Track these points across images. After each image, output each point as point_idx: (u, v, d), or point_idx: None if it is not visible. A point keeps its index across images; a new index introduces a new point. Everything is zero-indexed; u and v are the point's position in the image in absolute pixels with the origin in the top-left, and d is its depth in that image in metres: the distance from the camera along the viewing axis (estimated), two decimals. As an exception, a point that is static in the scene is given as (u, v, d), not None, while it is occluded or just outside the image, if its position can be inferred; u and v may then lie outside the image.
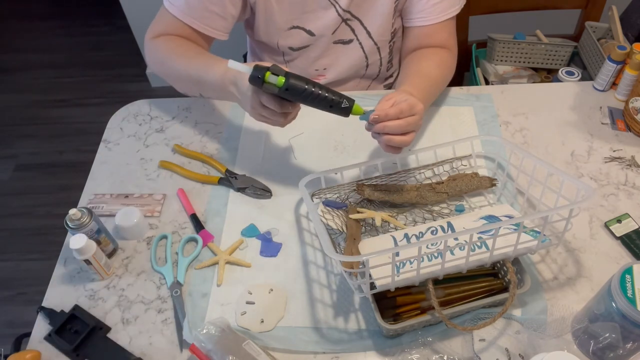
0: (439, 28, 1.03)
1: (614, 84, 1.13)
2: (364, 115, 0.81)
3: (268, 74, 0.75)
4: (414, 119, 0.82)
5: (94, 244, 0.83)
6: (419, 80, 0.97)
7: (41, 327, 0.83)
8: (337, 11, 1.03)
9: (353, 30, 1.07)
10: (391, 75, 1.24)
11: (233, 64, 0.76)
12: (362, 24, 1.06)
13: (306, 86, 0.76)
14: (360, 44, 1.10)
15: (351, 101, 0.78)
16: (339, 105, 0.77)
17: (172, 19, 0.99)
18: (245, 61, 1.32)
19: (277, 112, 0.81)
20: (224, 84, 0.89)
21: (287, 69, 0.77)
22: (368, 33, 1.08)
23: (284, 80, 0.75)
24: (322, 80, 1.16)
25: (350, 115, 0.80)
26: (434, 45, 1.04)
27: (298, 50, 1.10)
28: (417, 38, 1.05)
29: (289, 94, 0.76)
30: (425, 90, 0.95)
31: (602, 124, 1.07)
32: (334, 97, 0.77)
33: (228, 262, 0.89)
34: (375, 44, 1.11)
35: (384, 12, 1.04)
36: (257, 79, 0.75)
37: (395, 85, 0.97)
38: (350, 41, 1.09)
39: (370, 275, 0.71)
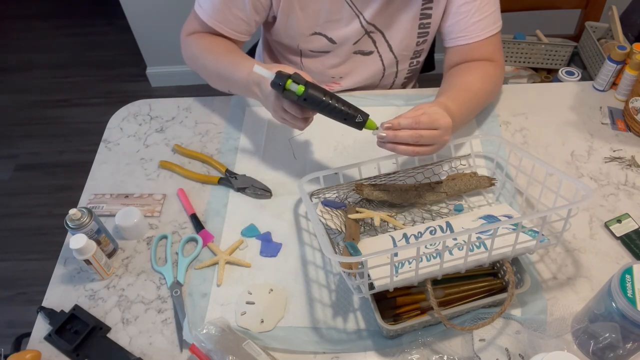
0: (484, 44, 1.02)
1: (614, 84, 1.13)
2: (377, 129, 0.82)
3: (289, 82, 0.78)
4: (433, 133, 0.80)
5: (94, 244, 0.83)
6: (459, 93, 0.96)
7: (41, 327, 0.83)
8: (360, 23, 1.03)
9: (374, 42, 1.08)
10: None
11: (258, 69, 0.80)
12: (384, 37, 1.06)
13: (323, 98, 0.78)
14: (380, 56, 1.10)
15: (365, 116, 0.80)
16: (353, 119, 0.80)
17: (200, 21, 1.03)
18: (254, 55, 1.32)
19: (298, 118, 0.84)
20: (248, 84, 0.92)
21: (309, 78, 0.80)
22: (389, 46, 1.08)
23: (303, 90, 0.78)
24: (336, 88, 1.16)
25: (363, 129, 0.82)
26: (480, 58, 1.04)
27: (317, 53, 1.10)
28: (460, 54, 1.04)
29: (307, 103, 0.79)
30: (464, 104, 0.94)
31: (602, 124, 1.07)
32: (349, 111, 0.80)
33: (228, 262, 0.89)
34: (395, 57, 1.11)
35: (406, 28, 1.05)
36: (278, 85, 0.78)
37: (435, 97, 0.96)
38: (371, 53, 1.10)
39: (369, 276, 0.71)
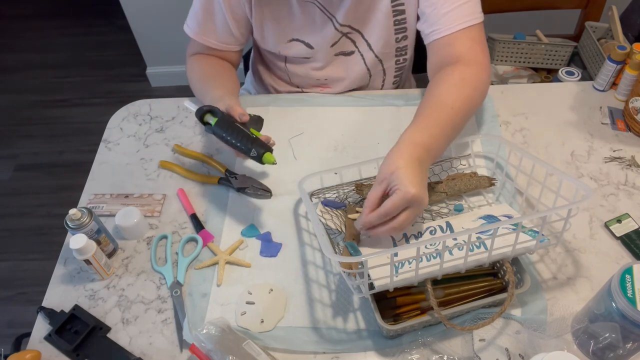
0: (457, 38, 0.95)
1: (614, 84, 1.13)
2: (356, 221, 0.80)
3: (207, 115, 0.87)
4: (407, 215, 0.73)
5: (94, 244, 0.83)
6: (432, 114, 0.86)
7: (41, 327, 0.83)
8: (334, 25, 1.03)
9: (354, 42, 1.07)
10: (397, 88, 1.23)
11: (187, 103, 0.91)
12: (362, 36, 1.06)
13: (227, 131, 0.84)
14: (361, 55, 1.10)
15: (260, 152, 0.82)
16: (248, 154, 0.83)
17: (192, 40, 1.06)
18: (249, 61, 1.32)
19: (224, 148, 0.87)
20: None
21: (237, 111, 0.85)
22: (368, 45, 1.08)
23: (215, 122, 0.85)
24: (326, 92, 1.16)
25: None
26: (456, 56, 0.95)
27: (300, 59, 1.11)
28: (437, 52, 0.98)
29: (216, 136, 0.85)
30: (440, 125, 0.85)
31: (602, 124, 1.07)
32: (246, 146, 0.83)
33: (228, 262, 0.89)
34: (377, 56, 1.10)
35: (382, 26, 1.04)
36: (198, 118, 0.87)
37: (411, 122, 0.88)
38: (352, 53, 1.09)
39: (369, 276, 0.71)
